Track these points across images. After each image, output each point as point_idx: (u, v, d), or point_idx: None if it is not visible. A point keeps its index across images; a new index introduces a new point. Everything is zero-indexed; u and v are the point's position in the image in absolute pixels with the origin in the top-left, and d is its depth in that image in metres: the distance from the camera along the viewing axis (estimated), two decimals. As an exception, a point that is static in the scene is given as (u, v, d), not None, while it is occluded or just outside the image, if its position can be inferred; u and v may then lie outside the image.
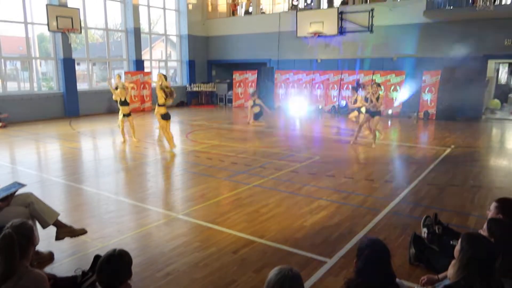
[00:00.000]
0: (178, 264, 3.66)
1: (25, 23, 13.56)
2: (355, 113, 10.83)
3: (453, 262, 2.38)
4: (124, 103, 9.58)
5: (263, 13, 19.40)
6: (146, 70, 17.55)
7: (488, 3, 11.77)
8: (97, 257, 3.22)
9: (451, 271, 2.33)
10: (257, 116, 13.04)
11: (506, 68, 18.16)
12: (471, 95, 13.53)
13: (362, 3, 16.50)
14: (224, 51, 19.73)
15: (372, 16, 15.26)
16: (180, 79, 19.79)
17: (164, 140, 9.08)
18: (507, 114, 15.21)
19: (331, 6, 17.25)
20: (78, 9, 14.31)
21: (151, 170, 7.40)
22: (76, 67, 15.02)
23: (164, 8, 18.66)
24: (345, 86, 16.03)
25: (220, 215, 4.90)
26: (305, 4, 18.01)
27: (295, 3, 18.06)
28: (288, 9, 18.31)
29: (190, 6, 18.72)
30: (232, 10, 20.21)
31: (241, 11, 20.52)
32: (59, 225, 3.75)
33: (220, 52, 19.94)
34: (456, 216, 4.85)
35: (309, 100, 16.47)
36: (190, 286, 3.31)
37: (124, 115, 9.60)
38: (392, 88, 14.95)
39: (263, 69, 18.02)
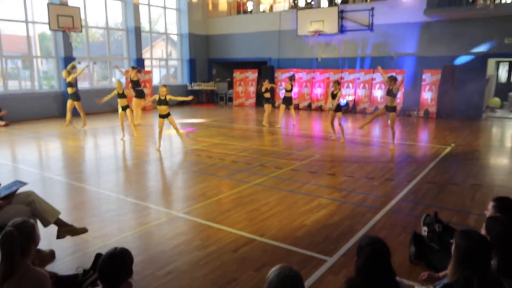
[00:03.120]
0: (179, 262, 3.67)
1: (26, 22, 13.57)
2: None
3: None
4: (122, 95, 9.92)
5: (264, 11, 19.41)
6: (146, 68, 17.56)
7: (488, 1, 11.76)
8: (98, 256, 3.24)
9: (449, 269, 2.34)
10: None
11: (506, 67, 18.14)
12: (471, 93, 13.52)
13: (362, 1, 16.48)
14: (225, 49, 19.72)
15: (373, 15, 15.26)
16: (180, 77, 19.79)
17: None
18: (507, 112, 15.20)
19: (331, 5, 17.22)
20: (79, 8, 14.31)
21: (152, 168, 7.42)
22: (77, 65, 15.00)
23: (164, 7, 18.65)
24: (346, 85, 16.05)
25: (221, 213, 4.91)
26: (306, 2, 18.01)
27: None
28: (289, 8, 18.30)
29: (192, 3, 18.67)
30: (239, 9, 20.09)
31: (242, 10, 20.53)
32: (60, 223, 3.76)
33: (220, 50, 19.94)
34: (456, 215, 4.86)
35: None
36: (191, 284, 3.33)
37: (122, 108, 9.94)
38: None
39: (263, 68, 18.02)
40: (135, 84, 12.01)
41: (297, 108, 16.72)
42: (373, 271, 2.15)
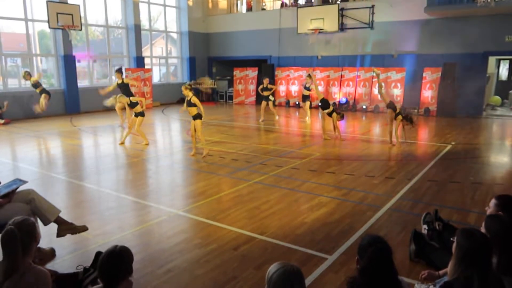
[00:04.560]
0: (179, 260, 3.67)
1: (26, 20, 13.54)
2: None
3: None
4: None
5: (264, 9, 19.36)
6: (146, 66, 17.54)
7: (489, -1, 11.72)
8: (98, 254, 3.23)
9: (450, 267, 2.34)
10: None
11: (507, 65, 18.11)
12: (471, 91, 13.51)
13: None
14: (225, 47, 19.70)
15: (373, 13, 15.24)
16: (180, 76, 19.78)
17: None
18: (508, 110, 15.19)
19: (327, 2, 17.16)
20: (79, 6, 14.28)
21: (152, 167, 7.41)
22: (77, 64, 15.01)
23: (164, 5, 18.62)
24: (346, 83, 16.03)
25: (221, 211, 4.91)
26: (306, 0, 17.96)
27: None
28: (289, 6, 18.25)
29: (191, 2, 18.67)
30: (248, 7, 20.00)
31: (241, 7, 20.48)
32: (60, 222, 3.76)
33: (220, 48, 19.91)
34: (456, 213, 4.86)
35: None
36: (191, 282, 3.33)
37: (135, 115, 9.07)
38: (393, 85, 14.93)
39: (263, 66, 18.00)
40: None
41: (297, 106, 16.73)
42: (377, 271, 2.14)
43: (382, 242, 2.22)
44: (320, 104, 9.72)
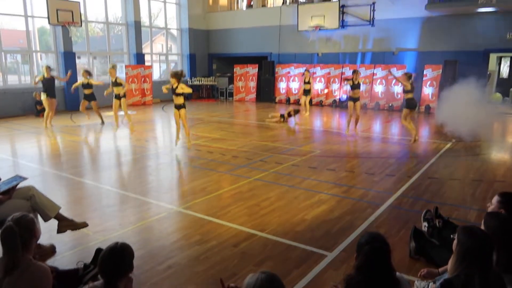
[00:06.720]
0: (179, 257, 3.67)
1: (26, 16, 13.51)
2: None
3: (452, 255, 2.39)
4: (116, 84, 10.08)
5: (264, 6, 19.32)
6: (147, 63, 17.51)
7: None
8: (98, 250, 3.24)
9: (450, 264, 2.34)
10: None
11: (508, 62, 18.08)
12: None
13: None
14: (225, 44, 19.66)
15: (374, 10, 15.19)
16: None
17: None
18: (509, 108, 15.15)
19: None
20: (79, 2, 14.24)
21: (152, 163, 7.41)
22: (77, 60, 14.98)
23: (164, 2, 18.56)
24: (346, 81, 15.99)
25: (221, 208, 4.91)
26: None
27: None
28: (289, 3, 18.22)
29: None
30: (248, 3, 19.95)
31: (241, 4, 20.44)
32: (60, 218, 3.76)
33: (221, 45, 19.87)
34: (456, 210, 4.86)
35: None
36: (191, 279, 3.33)
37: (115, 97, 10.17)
38: (394, 82, 14.89)
39: (264, 63, 17.98)
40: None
41: (297, 103, 16.71)
42: (373, 268, 2.14)
43: (379, 240, 2.22)
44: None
